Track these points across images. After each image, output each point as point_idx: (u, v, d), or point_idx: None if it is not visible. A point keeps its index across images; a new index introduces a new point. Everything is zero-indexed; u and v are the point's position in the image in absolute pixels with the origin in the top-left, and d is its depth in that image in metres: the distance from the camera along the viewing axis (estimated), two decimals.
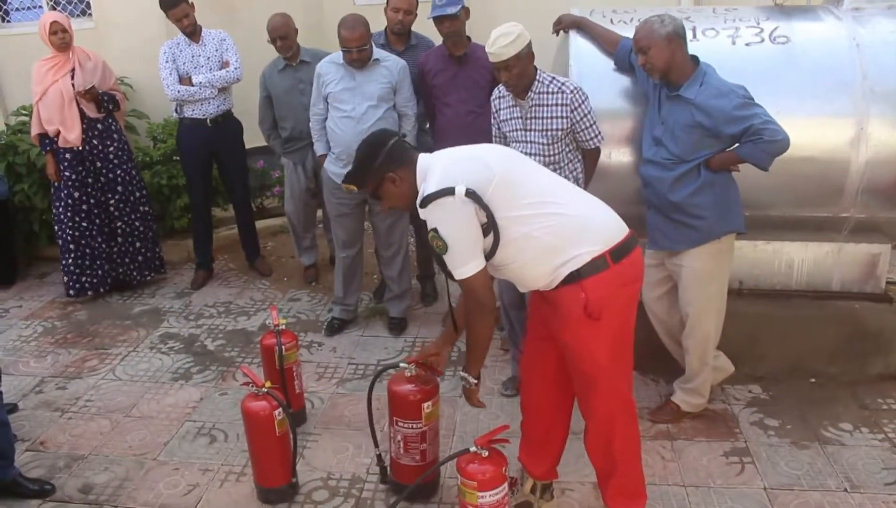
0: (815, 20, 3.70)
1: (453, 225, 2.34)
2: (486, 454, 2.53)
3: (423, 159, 2.49)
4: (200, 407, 3.78)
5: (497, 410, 3.61)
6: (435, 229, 2.35)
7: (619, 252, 2.42)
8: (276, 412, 2.94)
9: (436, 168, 2.41)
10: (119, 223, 5.03)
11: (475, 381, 2.65)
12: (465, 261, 2.37)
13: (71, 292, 5.02)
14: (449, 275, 2.48)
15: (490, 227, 2.36)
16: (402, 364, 2.94)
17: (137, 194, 5.11)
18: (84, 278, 5.01)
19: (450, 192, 2.30)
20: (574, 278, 2.39)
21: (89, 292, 5.05)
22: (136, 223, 5.11)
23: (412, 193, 2.47)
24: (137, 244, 5.14)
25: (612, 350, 2.49)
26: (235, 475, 3.25)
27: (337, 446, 3.43)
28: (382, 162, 2.47)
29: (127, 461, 3.37)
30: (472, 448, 2.54)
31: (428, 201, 2.34)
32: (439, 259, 2.43)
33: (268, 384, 2.99)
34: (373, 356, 4.23)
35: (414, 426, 2.91)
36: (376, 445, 3.09)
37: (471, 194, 2.31)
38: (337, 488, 3.15)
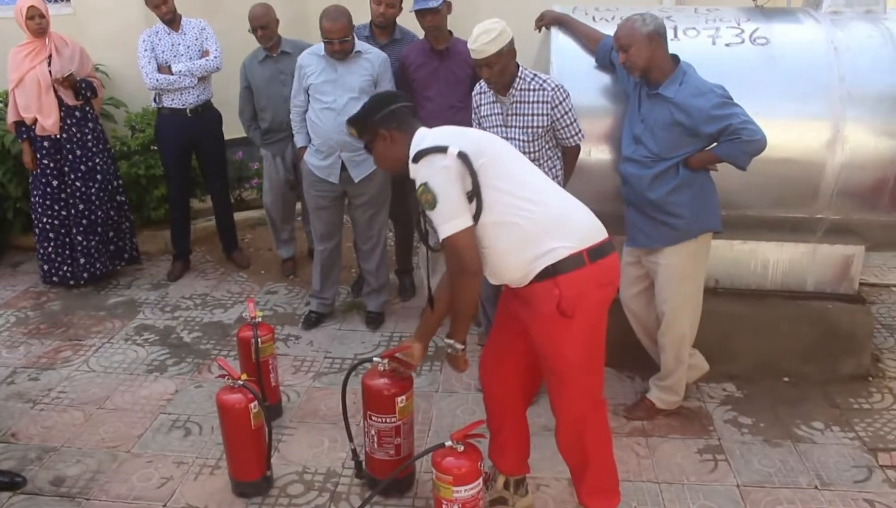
0: (795, 22, 3.73)
1: (443, 179, 2.35)
2: (462, 448, 2.54)
3: (422, 131, 2.53)
4: (175, 400, 3.75)
5: (473, 405, 3.62)
6: (425, 184, 2.36)
7: (596, 252, 2.43)
8: (252, 404, 2.92)
9: (431, 134, 2.49)
10: (99, 213, 4.97)
11: (461, 347, 2.62)
12: (453, 215, 2.36)
13: (54, 278, 4.96)
14: (429, 246, 2.50)
15: (474, 194, 2.36)
16: (375, 359, 2.93)
17: (115, 183, 5.05)
18: (64, 268, 4.95)
19: (442, 150, 2.35)
20: (549, 273, 2.40)
21: (71, 282, 4.99)
22: (111, 213, 5.06)
23: (401, 158, 2.51)
24: (111, 234, 5.08)
25: (583, 349, 2.48)
26: (210, 468, 3.23)
27: (312, 440, 3.41)
28: (382, 117, 2.53)
29: (100, 453, 3.34)
30: (448, 443, 2.55)
31: (420, 155, 2.39)
32: (421, 224, 2.47)
33: (244, 376, 2.98)
34: (350, 350, 4.22)
35: (388, 420, 2.91)
36: (351, 440, 3.08)
37: (462, 156, 2.34)
38: (312, 482, 3.14)
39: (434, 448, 2.60)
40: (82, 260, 4.94)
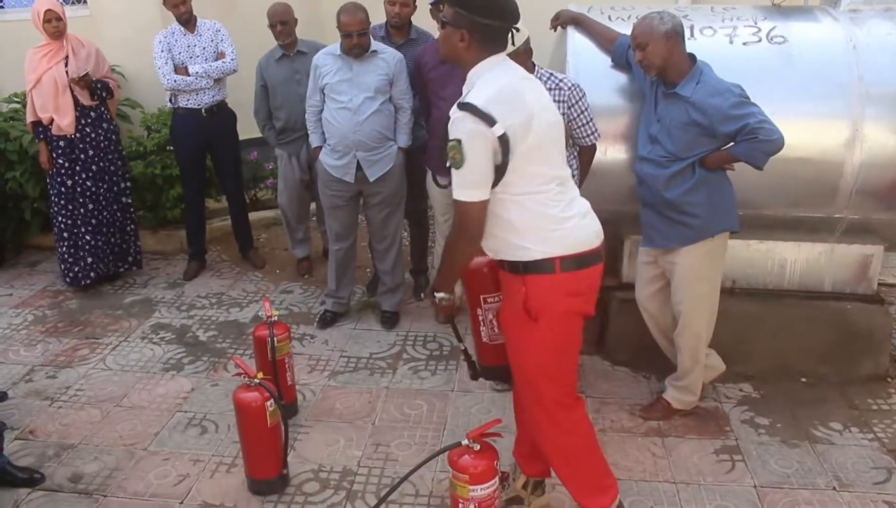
0: (813, 21, 3.71)
1: (477, 148, 2.24)
2: (478, 447, 2.54)
3: (493, 66, 2.34)
4: (191, 398, 3.77)
5: (489, 404, 3.62)
6: (458, 141, 2.25)
7: (571, 262, 2.37)
8: (268, 403, 2.93)
9: (493, 84, 2.29)
10: (106, 213, 5.00)
11: (450, 296, 2.56)
12: (473, 185, 2.29)
13: (67, 279, 5.00)
14: (437, 181, 2.34)
15: (499, 171, 2.30)
16: (464, 442, 2.63)
17: (122, 185, 5.08)
18: (76, 268, 4.99)
19: (489, 122, 2.22)
20: (518, 269, 2.40)
21: (83, 282, 5.03)
22: (118, 214, 5.09)
23: (461, 60, 2.36)
24: (118, 236, 5.11)
25: (545, 354, 2.44)
26: (226, 466, 3.25)
27: (328, 438, 3.42)
28: (476, 21, 2.28)
29: (117, 450, 3.36)
30: (464, 442, 2.55)
31: (467, 108, 2.25)
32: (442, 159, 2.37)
33: (260, 375, 2.99)
34: (365, 349, 4.23)
35: (501, 297, 2.67)
36: (460, 339, 2.92)
37: (503, 140, 2.24)
38: (328, 480, 3.15)
39: (450, 447, 2.60)
40: (89, 260, 4.97)
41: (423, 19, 4.33)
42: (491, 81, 2.31)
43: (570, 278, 2.38)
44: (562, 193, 2.41)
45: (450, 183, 2.40)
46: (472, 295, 2.70)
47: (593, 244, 2.43)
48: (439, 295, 2.58)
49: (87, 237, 4.95)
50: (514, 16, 2.34)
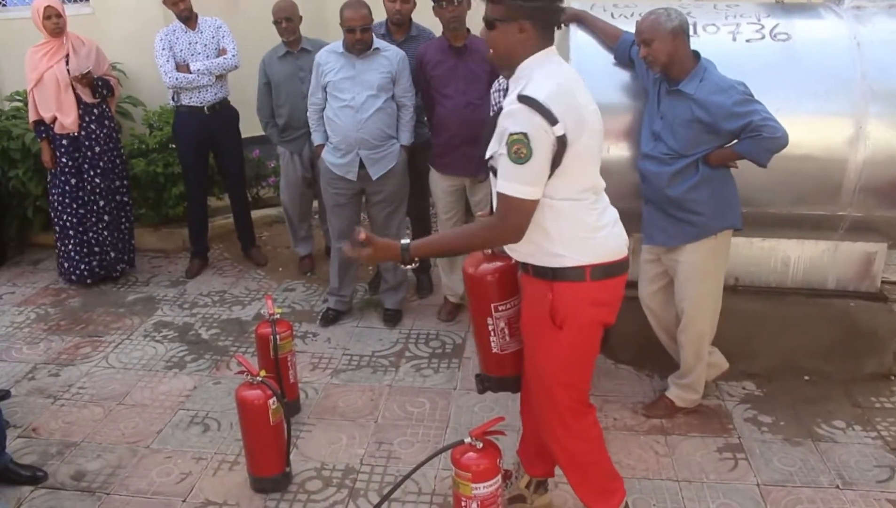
0: (816, 18, 3.69)
1: (543, 145, 2.15)
2: (481, 445, 2.53)
3: (546, 60, 2.26)
4: (194, 396, 3.77)
5: (491, 402, 3.61)
6: (525, 135, 2.13)
7: (601, 271, 2.34)
8: (271, 401, 2.93)
9: (551, 79, 2.21)
10: (105, 211, 5.00)
11: (411, 265, 2.39)
12: (531, 182, 2.19)
13: (73, 276, 5.00)
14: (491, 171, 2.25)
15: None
16: (467, 440, 2.60)
17: (118, 183, 5.08)
18: (83, 266, 4.99)
19: (552, 120, 2.14)
20: (547, 275, 2.34)
21: (88, 281, 5.03)
22: (115, 212, 5.09)
23: (516, 56, 2.26)
24: (115, 234, 5.11)
25: (565, 362, 2.42)
26: (229, 463, 3.25)
27: (331, 436, 3.42)
28: (529, 4, 2.19)
29: (120, 448, 3.36)
30: (467, 440, 2.54)
31: (528, 102, 2.15)
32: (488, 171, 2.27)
33: (262, 373, 2.99)
34: (367, 347, 4.23)
35: (514, 303, 2.61)
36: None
37: (561, 141, 2.17)
38: (330, 478, 3.15)
39: (453, 445, 2.60)
40: (88, 258, 4.98)
41: (423, 16, 4.32)
42: (547, 76, 2.22)
43: (599, 287, 2.35)
44: (597, 201, 2.37)
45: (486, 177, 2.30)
46: (481, 304, 2.60)
47: (622, 254, 2.39)
48: (405, 245, 2.37)
49: (91, 234, 4.95)
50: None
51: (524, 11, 2.20)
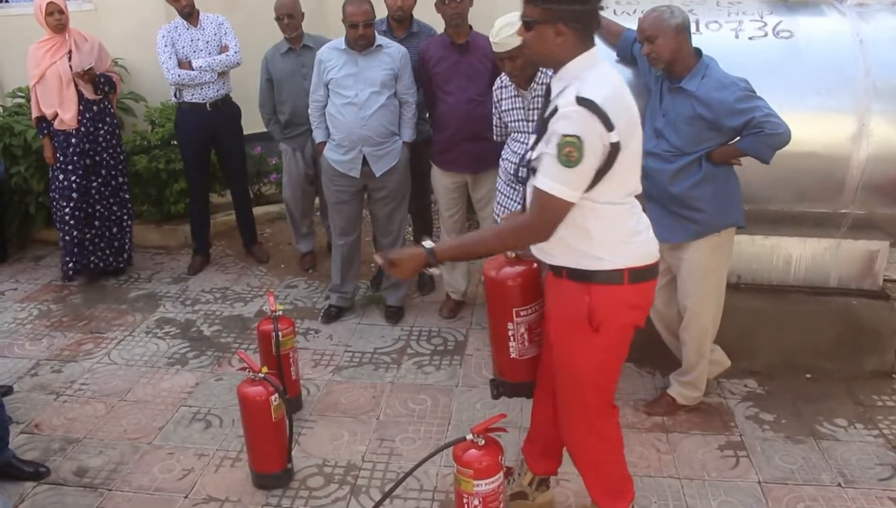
0: (819, 15, 3.68)
1: (593, 151, 2.13)
2: (483, 442, 2.53)
3: (592, 63, 2.22)
4: (196, 392, 3.78)
5: (493, 399, 3.61)
6: (578, 138, 2.09)
7: (638, 274, 2.34)
8: (273, 397, 2.93)
9: (606, 82, 2.18)
10: (105, 208, 5.00)
11: (436, 271, 2.35)
12: (574, 185, 2.16)
13: (71, 272, 4.99)
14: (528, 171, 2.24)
15: (594, 180, 2.20)
16: (468, 437, 2.59)
17: (120, 180, 5.08)
18: (84, 261, 4.99)
19: (609, 126, 2.11)
20: (585, 277, 2.32)
21: (87, 277, 5.03)
22: (115, 208, 5.08)
23: (556, 60, 2.23)
24: (114, 230, 5.11)
25: (599, 365, 2.43)
26: (231, 460, 3.25)
27: (332, 433, 3.42)
28: (564, 7, 2.15)
29: (122, 445, 3.37)
30: (469, 437, 2.55)
31: (587, 105, 2.10)
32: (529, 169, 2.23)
33: (264, 369, 2.99)
34: (369, 343, 4.23)
35: (535, 307, 2.58)
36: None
37: (615, 147, 2.14)
38: (332, 475, 3.15)
39: (455, 442, 2.60)
40: (86, 254, 4.98)
41: (425, 13, 4.32)
42: (601, 77, 2.19)
43: (636, 290, 2.35)
44: (635, 205, 2.36)
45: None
46: (502, 309, 2.55)
47: (656, 258, 2.39)
48: (429, 247, 2.31)
49: (88, 231, 4.95)
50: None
51: (560, 14, 2.16)
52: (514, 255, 2.54)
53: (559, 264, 2.38)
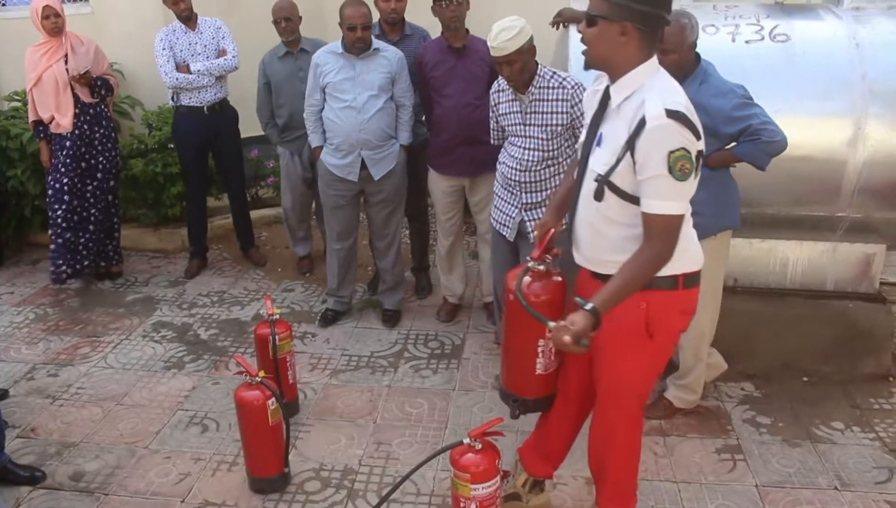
0: (816, 19, 3.70)
1: (696, 160, 2.10)
2: (480, 446, 2.53)
3: (656, 71, 2.18)
4: (192, 396, 3.77)
5: (490, 403, 3.62)
6: (687, 150, 2.05)
7: (690, 279, 2.33)
8: (270, 401, 2.93)
9: (677, 89, 2.16)
10: (93, 211, 4.99)
11: (597, 319, 2.14)
12: (686, 197, 2.15)
13: (65, 276, 4.97)
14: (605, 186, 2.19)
15: None
16: (465, 440, 2.57)
17: (110, 183, 5.06)
18: (76, 264, 4.98)
19: (698, 136, 2.10)
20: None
21: (78, 280, 5.02)
22: (107, 211, 5.07)
23: (610, 59, 2.16)
24: (104, 232, 5.10)
25: (650, 372, 2.43)
26: (227, 464, 3.25)
27: (329, 437, 3.42)
28: (634, 5, 2.07)
29: (118, 449, 3.36)
30: (466, 441, 2.54)
31: (679, 118, 2.05)
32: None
33: (261, 373, 2.99)
34: (366, 347, 4.23)
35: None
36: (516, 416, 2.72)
37: (699, 154, 2.12)
38: (329, 479, 3.14)
39: (452, 446, 2.60)
40: (79, 256, 4.97)
41: (420, 16, 4.32)
42: (673, 87, 2.16)
43: (688, 295, 2.34)
44: (689, 210, 2.33)
45: None
46: (533, 326, 2.42)
47: (703, 263, 2.39)
48: (584, 340, 2.11)
49: (82, 235, 4.94)
50: (668, 2, 2.14)
51: (630, 13, 2.08)
52: (542, 268, 2.50)
53: (609, 273, 2.28)
